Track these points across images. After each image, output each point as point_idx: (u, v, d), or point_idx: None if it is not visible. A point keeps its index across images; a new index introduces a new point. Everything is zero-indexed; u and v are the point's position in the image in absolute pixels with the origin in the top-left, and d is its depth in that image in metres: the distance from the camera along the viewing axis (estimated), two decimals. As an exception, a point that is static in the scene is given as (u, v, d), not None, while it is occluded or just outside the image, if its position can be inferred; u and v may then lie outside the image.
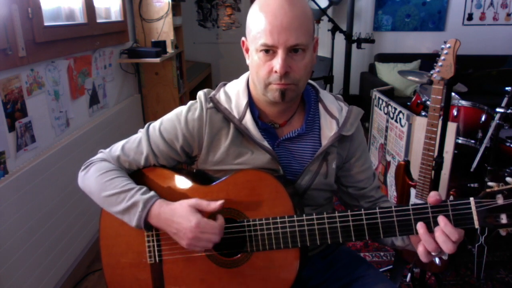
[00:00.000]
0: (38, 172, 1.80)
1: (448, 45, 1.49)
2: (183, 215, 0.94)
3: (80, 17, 2.46)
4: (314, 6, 3.88)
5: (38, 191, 1.80)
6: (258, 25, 0.92)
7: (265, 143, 1.01)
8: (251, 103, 1.05)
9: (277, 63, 0.91)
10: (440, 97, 1.55)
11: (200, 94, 1.06)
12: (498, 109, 2.00)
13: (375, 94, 2.78)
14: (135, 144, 1.07)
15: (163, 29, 3.21)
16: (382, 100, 2.62)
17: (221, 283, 0.99)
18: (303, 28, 0.91)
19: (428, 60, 4.37)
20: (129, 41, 3.16)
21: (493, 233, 1.99)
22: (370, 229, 0.88)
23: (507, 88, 2.01)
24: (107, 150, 1.10)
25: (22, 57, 1.75)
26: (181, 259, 1.01)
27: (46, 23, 1.95)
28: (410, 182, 1.76)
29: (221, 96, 1.06)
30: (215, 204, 0.94)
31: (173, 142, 1.05)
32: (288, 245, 0.93)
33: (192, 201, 0.96)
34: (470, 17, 4.86)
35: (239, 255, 0.98)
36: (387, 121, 2.53)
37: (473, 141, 2.25)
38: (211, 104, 1.04)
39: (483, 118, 2.26)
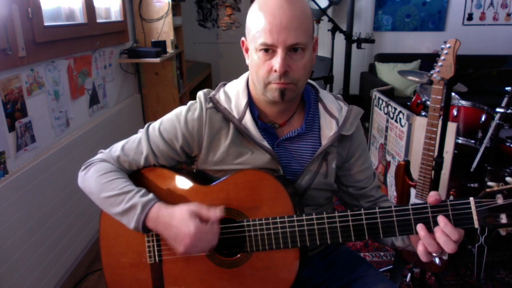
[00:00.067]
0: (38, 172, 1.80)
1: (448, 45, 1.49)
2: (182, 220, 0.93)
3: (80, 17, 2.46)
4: (314, 6, 3.88)
5: (38, 191, 1.80)
6: (257, 25, 0.92)
7: (265, 143, 1.01)
8: (251, 103, 1.05)
9: (276, 62, 0.91)
10: (440, 97, 1.55)
11: (200, 94, 1.07)
12: (498, 109, 2.00)
13: (375, 94, 2.78)
14: (135, 144, 1.07)
15: (163, 29, 3.21)
16: (382, 100, 2.62)
17: (221, 283, 0.99)
18: (302, 27, 0.91)
19: (428, 60, 4.37)
20: (129, 41, 3.16)
21: (493, 233, 1.99)
22: (370, 229, 0.87)
23: (507, 88, 2.01)
24: (107, 150, 1.10)
25: (22, 57, 1.75)
26: (181, 259, 1.01)
27: (46, 23, 1.95)
28: (410, 182, 1.76)
29: (220, 96, 1.06)
30: (216, 214, 0.93)
31: (173, 142, 1.05)
32: (288, 245, 0.93)
33: (192, 207, 0.95)
34: (470, 17, 4.86)
35: (239, 255, 0.98)
36: (387, 121, 2.53)
37: (473, 141, 2.25)
38: (210, 104, 1.04)
39: (483, 118, 2.26)
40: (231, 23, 5.01)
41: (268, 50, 0.93)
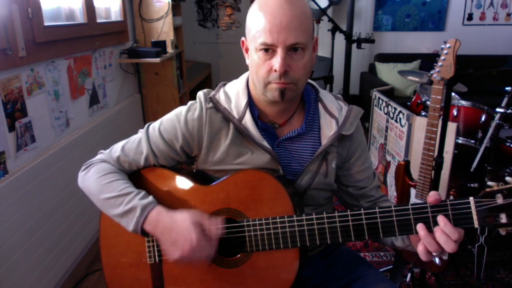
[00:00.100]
0: (38, 172, 1.80)
1: (448, 45, 1.49)
2: (184, 228, 0.93)
3: (80, 17, 2.46)
4: (314, 6, 3.88)
5: (38, 191, 1.80)
6: (257, 25, 0.92)
7: (265, 143, 1.01)
8: (251, 103, 1.05)
9: (276, 62, 0.91)
10: (440, 97, 1.55)
11: (200, 94, 1.07)
12: (498, 109, 2.00)
13: (375, 94, 2.78)
14: (135, 144, 1.07)
15: (163, 29, 3.21)
16: (382, 100, 2.62)
17: (221, 283, 0.99)
18: (302, 27, 0.91)
19: (428, 60, 4.37)
20: (129, 41, 3.16)
21: (493, 233, 1.99)
22: (370, 229, 0.87)
23: (507, 88, 2.01)
24: (107, 150, 1.10)
25: (22, 57, 1.75)
26: (181, 259, 1.01)
27: (46, 23, 1.95)
28: (410, 182, 1.76)
29: (220, 96, 1.06)
30: (217, 231, 0.93)
31: (173, 142, 1.05)
32: (287, 245, 0.93)
33: (195, 216, 0.94)
34: (470, 17, 4.86)
35: (239, 255, 0.98)
36: (387, 121, 2.53)
37: (473, 141, 2.25)
38: (210, 104, 1.04)
39: (483, 118, 2.26)
40: (231, 23, 5.01)
41: (268, 50, 0.93)
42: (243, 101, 1.04)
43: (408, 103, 2.71)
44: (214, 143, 1.04)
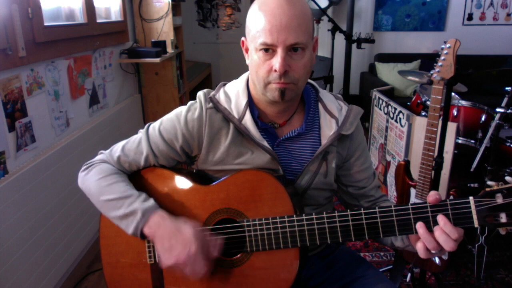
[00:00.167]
0: (38, 172, 1.80)
1: (448, 45, 1.49)
2: (185, 238, 0.92)
3: (80, 17, 2.46)
4: (314, 6, 3.88)
5: (38, 191, 1.80)
6: (257, 25, 0.92)
7: (265, 143, 1.01)
8: (251, 103, 1.05)
9: (276, 62, 0.91)
10: (440, 97, 1.55)
11: (200, 94, 1.07)
12: (498, 109, 2.00)
13: (375, 94, 2.78)
14: (135, 144, 1.07)
15: (163, 29, 3.21)
16: (382, 100, 2.62)
17: (221, 283, 0.99)
18: (302, 27, 0.91)
19: (428, 60, 4.37)
20: (129, 41, 3.17)
21: (493, 233, 1.99)
22: (370, 228, 0.87)
23: (507, 88, 2.01)
24: (108, 151, 1.10)
25: (22, 57, 1.75)
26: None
27: (46, 23, 1.95)
28: (410, 182, 1.76)
29: (220, 96, 1.06)
30: (215, 252, 0.94)
31: (173, 142, 1.05)
32: (287, 245, 0.93)
33: (198, 231, 0.94)
34: (470, 17, 4.86)
35: (239, 255, 0.98)
36: (387, 121, 2.53)
37: (473, 141, 2.25)
38: (210, 104, 1.04)
39: (483, 118, 2.26)
40: (231, 23, 5.01)
41: (268, 50, 0.93)
42: (243, 101, 1.04)
43: (408, 103, 2.71)
44: (214, 143, 1.04)
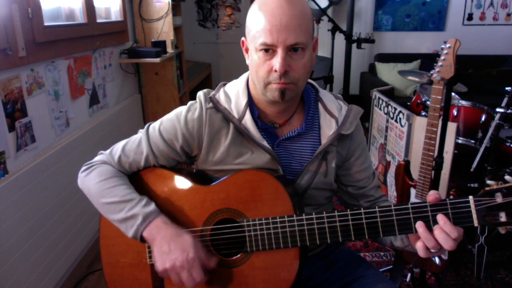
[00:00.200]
0: (38, 172, 1.80)
1: (448, 45, 1.49)
2: (185, 244, 0.93)
3: (80, 17, 2.46)
4: (314, 6, 3.88)
5: (38, 191, 1.80)
6: (257, 25, 0.92)
7: (265, 143, 1.01)
8: (251, 103, 1.05)
9: (276, 62, 0.91)
10: (440, 97, 1.55)
11: (200, 94, 1.07)
12: (498, 109, 2.00)
13: (375, 94, 2.78)
14: (135, 144, 1.07)
15: (163, 29, 3.21)
16: (382, 100, 2.62)
17: (221, 283, 0.99)
18: (302, 27, 0.91)
19: (428, 60, 4.37)
20: (129, 41, 3.17)
21: (493, 233, 1.99)
22: (370, 228, 0.87)
23: (507, 88, 2.01)
24: (108, 151, 1.10)
25: (22, 57, 1.75)
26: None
27: (46, 23, 1.95)
28: (410, 182, 1.76)
29: (220, 96, 1.06)
30: (210, 264, 0.95)
31: (173, 142, 1.05)
32: (287, 245, 0.93)
33: (198, 244, 0.95)
34: (470, 17, 4.86)
35: (239, 255, 0.98)
36: (387, 121, 2.53)
37: (473, 141, 2.25)
38: (210, 104, 1.04)
39: (483, 118, 2.26)
40: (231, 23, 5.01)
41: (268, 50, 0.93)
42: (243, 101, 1.04)
43: (408, 103, 2.71)
44: (214, 143, 1.04)
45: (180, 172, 1.06)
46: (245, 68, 1.05)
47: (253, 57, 0.97)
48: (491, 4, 4.80)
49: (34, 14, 1.83)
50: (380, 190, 1.16)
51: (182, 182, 1.03)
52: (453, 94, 2.33)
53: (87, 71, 2.45)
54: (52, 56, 2.03)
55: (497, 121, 1.99)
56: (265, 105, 1.04)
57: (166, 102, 3.38)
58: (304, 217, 0.91)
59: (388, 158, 2.54)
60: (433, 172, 1.63)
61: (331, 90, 3.38)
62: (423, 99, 2.57)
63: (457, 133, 2.07)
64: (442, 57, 1.51)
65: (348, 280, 1.10)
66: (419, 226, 0.83)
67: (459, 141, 2.25)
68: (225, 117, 1.03)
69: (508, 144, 2.21)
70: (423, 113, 2.52)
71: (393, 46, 4.98)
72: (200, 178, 1.07)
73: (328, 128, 1.05)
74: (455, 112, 2.29)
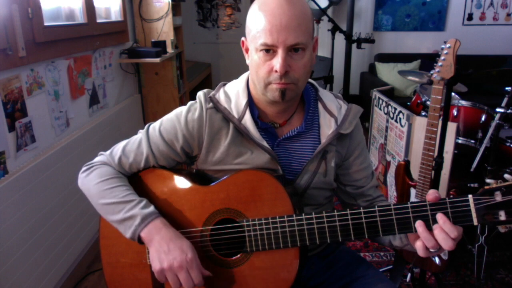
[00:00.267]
0: (38, 172, 1.80)
1: (448, 45, 1.49)
2: (184, 245, 0.94)
3: (80, 17, 2.46)
4: (314, 6, 3.88)
5: (38, 191, 1.80)
6: (257, 25, 0.93)
7: (264, 143, 1.01)
8: (251, 103, 1.05)
9: (277, 62, 0.91)
10: (440, 97, 1.55)
11: (200, 94, 1.07)
12: (498, 109, 2.00)
13: (375, 94, 2.78)
14: (135, 145, 1.07)
15: (163, 29, 3.21)
16: (382, 100, 2.62)
17: (221, 283, 0.99)
18: (302, 27, 0.91)
19: (428, 60, 4.38)
20: (129, 41, 3.17)
21: (493, 233, 1.99)
22: (369, 227, 0.87)
23: (507, 88, 2.01)
24: (108, 152, 1.10)
25: (22, 57, 1.75)
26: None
27: (46, 23, 1.95)
28: (410, 182, 1.76)
29: (220, 96, 1.06)
30: (206, 272, 0.96)
31: (173, 142, 1.05)
32: (287, 245, 0.93)
33: (194, 249, 0.96)
34: (470, 17, 4.86)
35: (239, 255, 0.98)
36: (387, 121, 2.53)
37: (473, 141, 2.25)
38: (210, 104, 1.04)
39: (483, 118, 2.26)
40: (231, 23, 5.01)
41: (269, 50, 0.93)
42: (243, 101, 1.04)
43: (408, 103, 2.71)
44: (214, 143, 1.04)
45: (180, 172, 1.06)
46: (245, 68, 1.05)
47: (253, 57, 0.97)
48: (491, 4, 4.80)
49: (34, 14, 1.83)
50: (379, 189, 1.16)
51: (182, 182, 1.03)
52: (453, 94, 2.33)
53: (87, 71, 2.46)
54: (52, 56, 2.03)
55: (497, 121, 1.99)
56: (265, 105, 1.04)
57: (166, 102, 3.38)
58: (303, 217, 0.91)
59: (388, 158, 2.54)
60: (433, 172, 1.63)
61: (331, 90, 3.37)
62: (423, 99, 2.57)
63: (457, 133, 2.07)
64: (442, 57, 1.51)
65: (348, 280, 1.10)
66: (419, 225, 0.83)
67: (459, 141, 2.25)
68: (225, 117, 1.03)
69: (508, 144, 2.21)
70: (423, 113, 2.52)
71: (393, 46, 4.98)
72: (200, 178, 1.07)
73: (327, 128, 1.05)
74: (455, 112, 2.29)
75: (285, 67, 0.92)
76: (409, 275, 1.96)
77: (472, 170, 2.09)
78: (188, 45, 4.89)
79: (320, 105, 1.08)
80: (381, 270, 2.07)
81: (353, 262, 1.15)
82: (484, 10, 4.83)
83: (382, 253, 2.31)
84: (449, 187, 1.93)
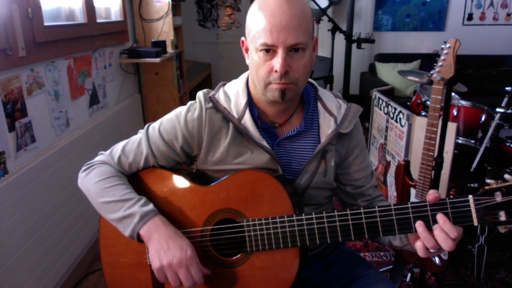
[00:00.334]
0: (38, 172, 1.80)
1: (448, 45, 1.49)
2: (183, 243, 0.94)
3: (80, 17, 2.46)
4: (314, 6, 3.88)
5: (38, 191, 1.80)
6: (257, 25, 0.92)
7: (264, 143, 1.01)
8: (251, 103, 1.05)
9: (277, 62, 0.91)
10: (440, 97, 1.55)
11: (200, 94, 1.07)
12: (498, 109, 2.00)
13: (375, 94, 2.78)
14: (135, 145, 1.07)
15: (163, 29, 3.21)
16: (382, 100, 2.62)
17: (221, 283, 0.99)
18: (302, 27, 0.91)
19: (428, 60, 4.38)
20: (129, 41, 3.17)
21: (493, 233, 1.99)
22: (370, 228, 0.87)
23: (507, 88, 2.01)
24: (108, 151, 1.10)
25: (22, 57, 1.75)
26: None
27: (46, 23, 1.95)
28: (410, 182, 1.76)
29: (220, 96, 1.06)
30: (206, 270, 0.96)
31: (173, 142, 1.05)
32: (287, 245, 0.93)
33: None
34: (470, 17, 4.86)
35: (239, 255, 0.98)
36: (387, 121, 2.53)
37: (473, 141, 2.25)
38: (210, 104, 1.04)
39: (483, 118, 2.26)
40: (231, 23, 5.01)
41: (269, 50, 0.93)
42: (243, 100, 1.04)
43: (408, 103, 2.71)
44: (214, 143, 1.04)
45: (179, 172, 1.06)
46: (245, 68, 1.05)
47: (253, 57, 0.97)
48: (491, 4, 4.80)
49: (34, 14, 1.83)
50: (378, 189, 1.16)
51: (181, 182, 1.03)
52: (453, 94, 2.33)
53: (87, 71, 2.46)
54: (52, 56, 2.03)
55: (497, 121, 1.99)
56: (265, 105, 1.04)
57: (166, 102, 3.38)
58: (304, 217, 0.91)
59: (388, 158, 2.54)
60: (433, 172, 1.63)
61: (331, 90, 3.37)
62: (423, 99, 2.57)
63: (457, 133, 2.07)
64: (442, 57, 1.51)
65: (348, 280, 1.10)
66: (419, 225, 0.83)
67: (459, 141, 2.25)
68: (225, 117, 1.03)
69: (508, 144, 2.21)
70: (423, 113, 2.52)
71: (393, 46, 4.98)
72: (200, 178, 1.07)
73: (327, 127, 1.05)
74: (455, 112, 2.29)
75: (285, 67, 0.91)
76: (409, 275, 1.96)
77: (472, 170, 2.09)
78: (188, 45, 4.89)
79: (319, 105, 1.08)
80: (381, 270, 2.07)
81: (353, 262, 1.15)
82: (484, 10, 4.83)
83: (382, 253, 2.31)
84: (449, 187, 1.93)
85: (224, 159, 1.03)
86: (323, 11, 3.84)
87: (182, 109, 1.07)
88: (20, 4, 1.74)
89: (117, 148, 1.09)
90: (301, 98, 1.08)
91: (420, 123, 2.13)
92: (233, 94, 1.06)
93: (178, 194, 1.03)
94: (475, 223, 0.80)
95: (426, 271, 1.84)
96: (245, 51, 1.03)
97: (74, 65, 2.27)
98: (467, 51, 4.21)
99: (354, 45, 3.81)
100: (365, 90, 4.66)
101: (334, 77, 3.44)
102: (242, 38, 1.03)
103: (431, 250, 0.84)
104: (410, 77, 2.57)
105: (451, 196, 0.84)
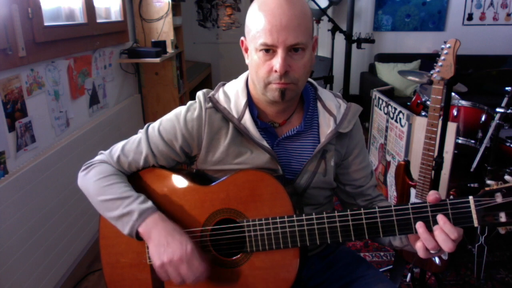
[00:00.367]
0: (38, 172, 1.80)
1: (448, 45, 1.49)
2: (182, 239, 0.94)
3: (80, 17, 2.46)
4: (314, 6, 3.88)
5: (38, 191, 1.80)
6: (257, 25, 0.92)
7: (264, 143, 1.01)
8: (251, 103, 1.05)
9: (277, 62, 0.91)
10: (440, 97, 1.55)
11: (199, 94, 1.07)
12: (498, 109, 2.00)
13: (375, 94, 2.78)
14: (135, 144, 1.07)
15: (163, 29, 3.21)
16: (382, 100, 2.62)
17: (221, 283, 0.99)
18: (302, 27, 0.91)
19: (428, 60, 4.37)
20: (129, 41, 3.17)
21: (493, 233, 1.99)
22: (370, 228, 0.87)
23: (507, 88, 2.01)
24: (107, 151, 1.10)
25: (22, 57, 1.75)
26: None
27: (46, 23, 1.95)
28: (410, 182, 1.76)
29: (220, 95, 1.06)
30: (206, 262, 0.96)
31: (172, 142, 1.05)
32: (287, 245, 0.93)
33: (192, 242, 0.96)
34: (470, 17, 4.86)
35: (239, 255, 0.98)
36: (387, 121, 2.53)
37: (473, 141, 2.25)
38: (210, 104, 1.04)
39: (483, 118, 2.26)
40: (231, 23, 5.01)
41: (269, 50, 0.93)
42: (243, 100, 1.04)
43: (408, 103, 2.71)
44: (214, 142, 1.04)
45: (179, 172, 1.06)
46: (245, 68, 1.05)
47: (253, 57, 0.96)
48: (491, 4, 4.80)
49: (34, 14, 1.83)
50: (378, 189, 1.16)
51: (181, 182, 1.03)
52: (453, 94, 2.33)
53: (87, 71, 2.45)
54: (52, 56, 2.03)
55: (497, 121, 1.99)
56: (265, 104, 1.04)
57: (166, 102, 3.38)
58: (304, 217, 0.91)
59: (388, 158, 2.54)
60: (433, 172, 1.63)
61: (331, 90, 3.37)
62: (423, 99, 2.57)
63: (457, 133, 2.07)
64: (442, 57, 1.51)
65: (348, 280, 1.10)
66: (419, 226, 0.83)
67: (459, 141, 2.25)
68: (225, 117, 1.03)
69: (508, 144, 2.21)
70: (423, 113, 2.52)
71: (393, 46, 4.98)
72: (200, 178, 1.07)
73: (326, 127, 1.05)
74: (455, 112, 2.29)
75: (285, 67, 0.91)
76: (409, 275, 1.96)
77: (472, 170, 2.09)
78: (188, 45, 4.89)
79: (319, 104, 1.08)
80: (381, 270, 2.07)
81: (353, 262, 1.15)
82: (484, 10, 4.83)
83: (382, 253, 2.31)
84: (449, 187, 1.93)
85: (224, 159, 1.03)
86: (323, 11, 3.84)
87: (181, 109, 1.07)
88: (20, 4, 1.74)
89: (117, 147, 1.09)
90: (300, 98, 1.08)
91: (420, 123, 2.13)
92: (232, 94, 1.06)
93: (178, 194, 1.03)
94: (476, 224, 0.80)
95: (426, 271, 1.84)
96: (245, 51, 1.03)
97: (74, 65, 2.27)
98: (467, 51, 4.21)
99: (354, 45, 3.81)
100: (365, 90, 4.66)
101: (334, 77, 3.44)
102: (242, 38, 1.03)
103: (432, 251, 0.84)
104: (410, 77, 2.57)
105: (451, 197, 0.84)
